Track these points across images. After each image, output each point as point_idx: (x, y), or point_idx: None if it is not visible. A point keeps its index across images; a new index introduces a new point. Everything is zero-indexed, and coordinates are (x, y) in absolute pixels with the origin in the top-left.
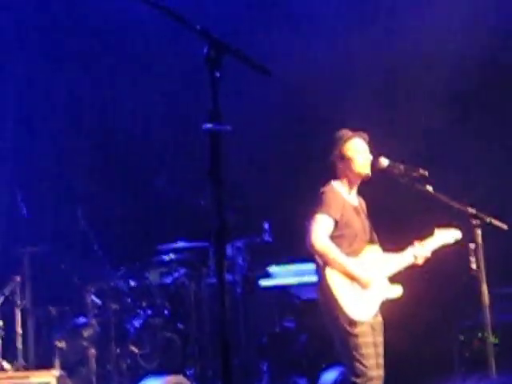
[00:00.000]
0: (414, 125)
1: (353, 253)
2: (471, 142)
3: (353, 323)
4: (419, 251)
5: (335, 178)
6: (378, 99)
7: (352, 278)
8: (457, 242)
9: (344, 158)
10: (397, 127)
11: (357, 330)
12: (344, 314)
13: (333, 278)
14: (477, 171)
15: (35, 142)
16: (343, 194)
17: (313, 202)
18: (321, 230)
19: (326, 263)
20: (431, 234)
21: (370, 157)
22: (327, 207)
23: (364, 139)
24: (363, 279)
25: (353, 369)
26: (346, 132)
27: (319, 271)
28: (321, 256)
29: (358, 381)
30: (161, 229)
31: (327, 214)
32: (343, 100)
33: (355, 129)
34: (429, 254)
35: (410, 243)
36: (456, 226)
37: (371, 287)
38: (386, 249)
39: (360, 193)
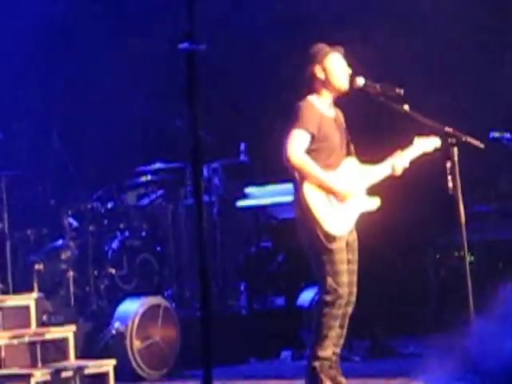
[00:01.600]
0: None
1: (330, 166)
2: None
3: (330, 238)
4: (398, 161)
5: (312, 92)
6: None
7: (329, 191)
8: (436, 151)
9: (324, 72)
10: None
11: (333, 246)
12: (321, 228)
13: (310, 192)
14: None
15: (10, 64)
16: (320, 108)
17: (289, 116)
18: (297, 144)
19: (302, 178)
20: (411, 142)
21: (350, 70)
22: (303, 122)
23: (341, 53)
24: (340, 193)
25: (324, 285)
26: (324, 46)
27: (296, 186)
28: (297, 171)
29: (327, 298)
30: (137, 150)
31: (304, 128)
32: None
33: (331, 43)
34: (407, 165)
35: (390, 154)
36: (436, 135)
37: (348, 200)
38: (365, 161)
39: (338, 105)
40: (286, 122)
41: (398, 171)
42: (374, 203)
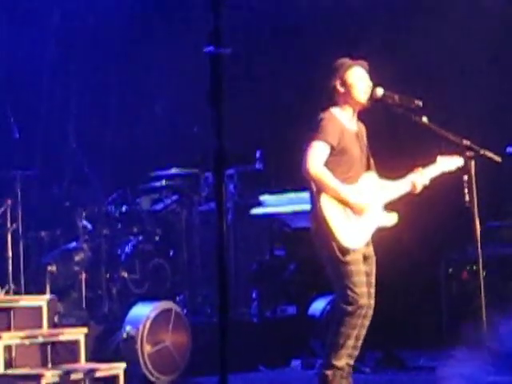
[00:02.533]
0: None
1: (349, 179)
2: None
3: (344, 250)
4: (418, 179)
5: (334, 104)
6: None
7: (346, 204)
8: (458, 170)
9: (345, 85)
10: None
11: (348, 258)
12: (336, 240)
13: (326, 204)
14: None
15: (29, 65)
16: (342, 121)
17: (311, 127)
18: (316, 156)
19: (319, 190)
20: (433, 161)
21: (371, 84)
22: (324, 133)
23: (364, 68)
24: (357, 206)
25: (344, 296)
26: (346, 60)
27: (313, 198)
28: (315, 182)
29: (348, 308)
30: (153, 155)
31: (324, 140)
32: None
33: (355, 57)
34: (427, 182)
35: (412, 170)
36: (458, 154)
37: (366, 214)
38: (386, 176)
39: (360, 119)
40: (304, 132)
41: (418, 189)
42: (391, 219)
